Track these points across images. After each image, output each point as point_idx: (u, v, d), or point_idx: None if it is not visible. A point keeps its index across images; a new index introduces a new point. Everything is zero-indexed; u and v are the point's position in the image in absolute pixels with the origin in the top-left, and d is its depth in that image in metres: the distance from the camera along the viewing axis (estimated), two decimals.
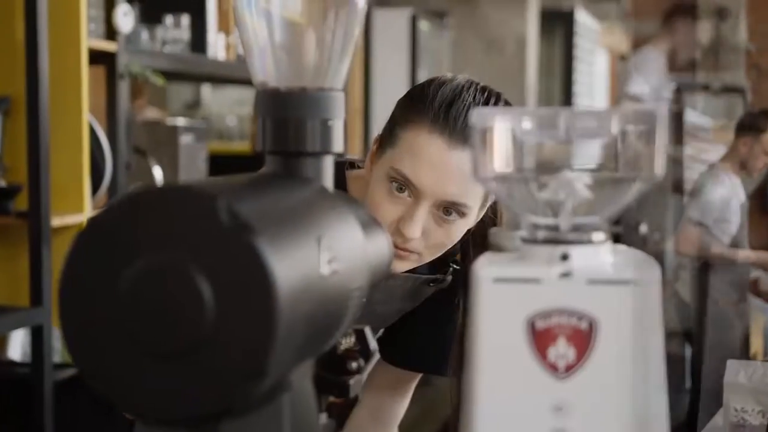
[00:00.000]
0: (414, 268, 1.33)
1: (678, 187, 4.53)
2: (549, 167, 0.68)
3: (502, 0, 5.37)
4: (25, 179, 2.40)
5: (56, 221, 2.41)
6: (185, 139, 3.08)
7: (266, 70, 0.75)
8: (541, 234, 0.67)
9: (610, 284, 0.64)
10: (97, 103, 2.68)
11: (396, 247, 1.22)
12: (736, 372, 1.82)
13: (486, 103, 1.26)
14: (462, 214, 1.24)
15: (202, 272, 0.57)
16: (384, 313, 1.40)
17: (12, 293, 2.49)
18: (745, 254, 4.39)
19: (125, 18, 2.65)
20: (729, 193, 4.28)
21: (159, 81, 2.75)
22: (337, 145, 0.76)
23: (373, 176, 1.27)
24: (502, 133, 0.67)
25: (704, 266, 4.28)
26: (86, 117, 2.51)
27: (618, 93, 4.61)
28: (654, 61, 4.35)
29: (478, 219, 1.31)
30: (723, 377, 1.80)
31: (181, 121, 3.20)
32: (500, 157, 0.67)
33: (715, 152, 4.21)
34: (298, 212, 0.66)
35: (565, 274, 0.64)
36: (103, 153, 2.58)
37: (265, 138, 0.75)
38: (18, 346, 2.64)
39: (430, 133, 1.21)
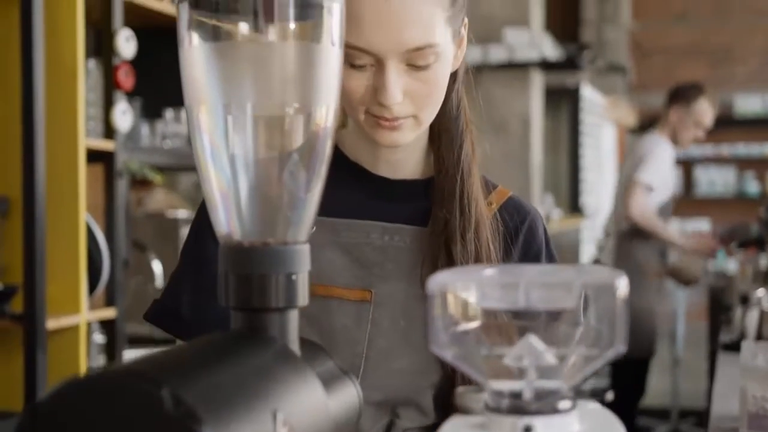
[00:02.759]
0: None
1: None
2: (511, 332, 0.66)
3: (506, 79, 5.40)
4: (21, 280, 2.39)
5: (52, 323, 2.39)
6: (186, 232, 3.07)
7: (230, 224, 0.74)
8: (505, 402, 0.65)
9: None
10: (95, 200, 2.68)
11: (386, 120, 1.13)
12: (753, 354, 1.60)
13: None
14: (435, 56, 1.12)
15: None
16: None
17: (5, 397, 2.47)
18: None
19: (124, 116, 2.66)
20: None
21: (157, 178, 2.76)
22: (303, 299, 0.74)
23: None
24: (461, 299, 0.65)
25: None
26: (83, 217, 2.51)
27: (622, 175, 4.59)
28: (661, 149, 4.38)
29: (459, 58, 1.21)
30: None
31: (182, 213, 3.20)
32: (459, 324, 0.65)
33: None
34: (253, 385, 0.64)
35: None
36: (101, 252, 2.57)
37: (228, 293, 0.73)
38: None
39: None
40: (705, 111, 4.40)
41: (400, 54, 1.10)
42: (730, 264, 5.31)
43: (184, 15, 0.71)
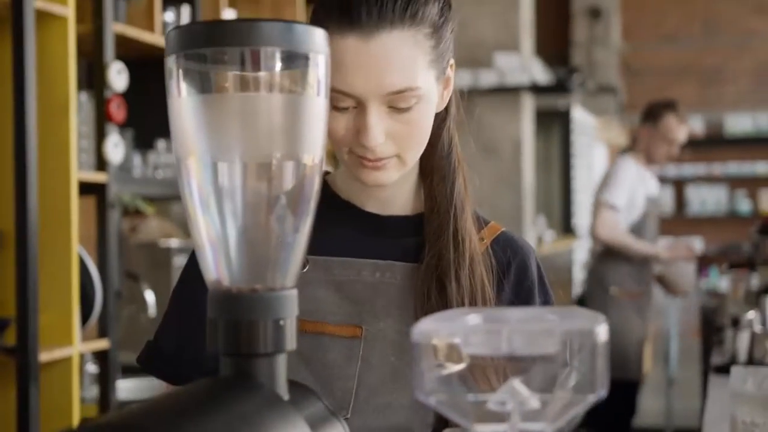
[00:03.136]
0: None
1: None
2: (496, 377, 0.67)
3: (496, 103, 5.43)
4: (14, 312, 2.39)
5: (45, 356, 2.39)
6: (179, 261, 3.09)
7: (219, 271, 0.75)
8: None
9: None
10: (87, 232, 2.69)
11: (369, 160, 1.15)
12: (743, 380, 1.60)
13: None
14: (417, 98, 1.13)
15: None
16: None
17: None
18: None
19: (116, 148, 2.68)
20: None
21: (148, 210, 2.77)
22: (290, 343, 0.76)
23: None
24: (445, 345, 0.66)
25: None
26: (76, 249, 2.52)
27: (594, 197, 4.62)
28: (625, 169, 4.41)
29: (446, 97, 1.22)
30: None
31: (175, 243, 3.21)
32: (444, 369, 0.67)
33: None
34: None
35: None
36: (93, 283, 2.58)
37: (217, 339, 0.74)
38: None
39: (341, 35, 1.10)
40: (672, 127, 4.40)
41: (381, 97, 1.11)
42: (722, 282, 5.33)
43: (173, 67, 0.73)
